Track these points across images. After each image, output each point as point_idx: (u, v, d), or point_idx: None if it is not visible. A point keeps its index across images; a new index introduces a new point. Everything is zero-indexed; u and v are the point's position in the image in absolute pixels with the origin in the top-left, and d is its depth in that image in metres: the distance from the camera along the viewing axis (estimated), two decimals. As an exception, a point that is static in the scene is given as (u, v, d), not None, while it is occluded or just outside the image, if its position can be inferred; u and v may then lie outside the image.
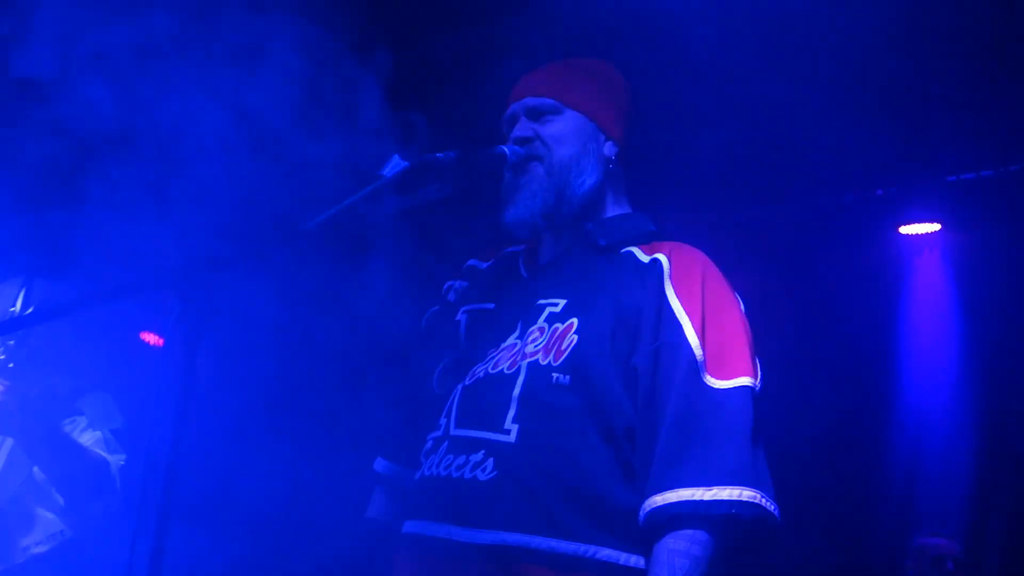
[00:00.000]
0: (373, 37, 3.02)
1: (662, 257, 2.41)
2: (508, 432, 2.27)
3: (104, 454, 3.60)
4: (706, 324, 2.30)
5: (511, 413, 2.30)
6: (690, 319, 2.29)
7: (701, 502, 2.13)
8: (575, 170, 2.54)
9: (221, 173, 3.14)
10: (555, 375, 2.31)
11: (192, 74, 3.24)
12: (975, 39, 4.54)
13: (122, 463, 3.63)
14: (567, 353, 2.32)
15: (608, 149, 2.61)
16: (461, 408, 2.39)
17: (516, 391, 2.32)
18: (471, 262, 2.82)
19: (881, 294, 6.40)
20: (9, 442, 3.58)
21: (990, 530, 5.65)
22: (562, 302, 2.43)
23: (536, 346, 2.37)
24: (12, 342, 3.41)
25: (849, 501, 6.03)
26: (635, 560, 2.22)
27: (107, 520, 3.60)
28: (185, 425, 1.96)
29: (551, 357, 2.33)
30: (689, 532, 2.14)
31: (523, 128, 2.57)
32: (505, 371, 2.37)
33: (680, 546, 2.13)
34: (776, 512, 2.18)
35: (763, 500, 2.15)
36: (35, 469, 3.57)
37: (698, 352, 2.25)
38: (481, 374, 2.41)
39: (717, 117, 5.08)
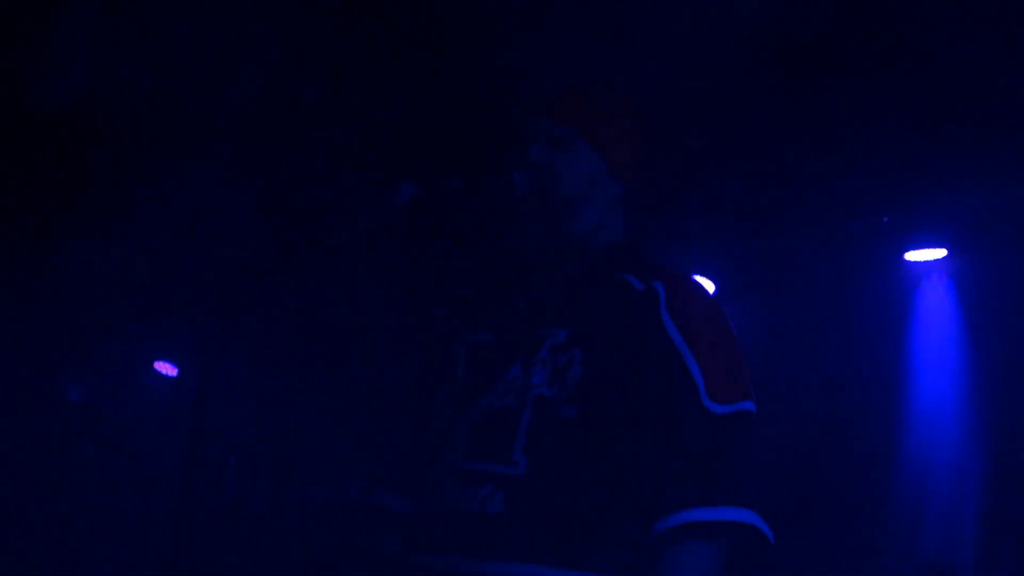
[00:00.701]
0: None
1: (659, 285, 2.37)
2: (517, 465, 2.25)
3: None
4: (704, 351, 2.28)
5: (519, 445, 2.27)
6: (688, 346, 2.28)
7: (706, 521, 2.14)
8: (576, 206, 2.51)
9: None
10: (561, 408, 2.28)
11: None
12: (975, 65, 4.57)
13: None
14: (572, 385, 2.29)
15: (614, 188, 2.57)
16: (468, 441, 2.34)
17: (523, 423, 2.28)
18: (464, 291, 2.75)
19: (888, 320, 6.39)
20: None
21: (1000, 550, 5.63)
22: (564, 332, 2.37)
23: (540, 378, 2.32)
24: None
25: (858, 524, 6.01)
26: None
27: None
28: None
29: (556, 389, 2.30)
30: (695, 549, 2.15)
31: (539, 154, 2.51)
32: (511, 404, 2.33)
33: (687, 561, 2.15)
34: (770, 534, 2.19)
35: (759, 522, 2.17)
36: None
37: (699, 379, 2.24)
38: (486, 407, 2.36)
39: (722, 148, 5.11)
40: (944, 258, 6.26)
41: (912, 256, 6.30)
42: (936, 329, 6.29)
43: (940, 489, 5.95)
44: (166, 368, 6.61)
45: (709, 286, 6.36)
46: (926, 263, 6.32)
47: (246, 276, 2.10)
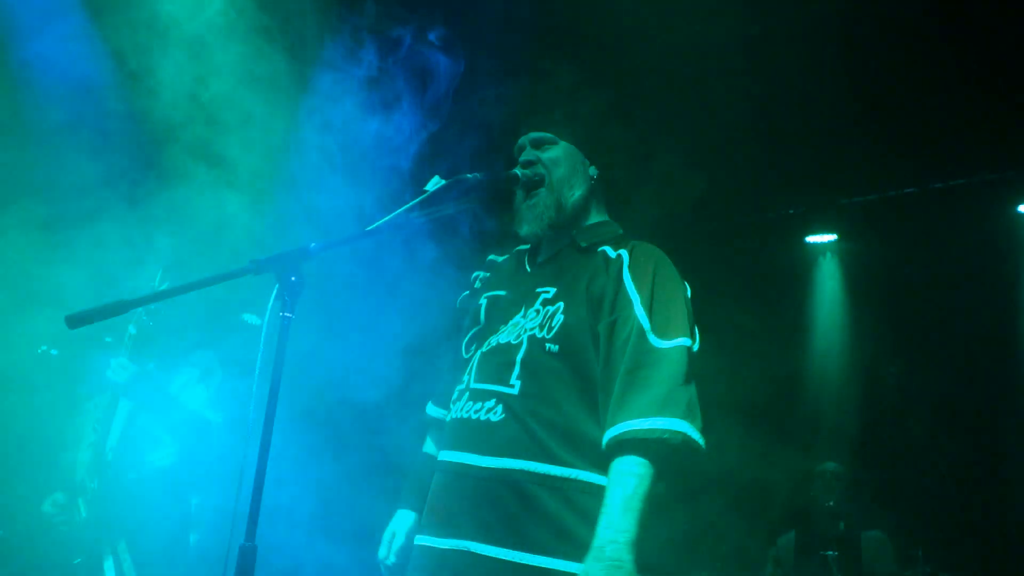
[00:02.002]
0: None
1: (624, 252, 2.44)
2: (513, 386, 2.34)
3: (207, 414, 3.63)
4: (653, 299, 2.33)
5: (515, 372, 2.36)
6: (640, 296, 2.33)
7: (640, 431, 2.17)
8: (567, 184, 2.58)
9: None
10: (547, 344, 2.36)
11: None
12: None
13: (219, 421, 3.65)
14: (556, 328, 2.37)
15: (591, 171, 2.64)
16: (479, 368, 2.44)
17: (519, 356, 2.37)
18: (491, 257, 2.84)
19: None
20: None
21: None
22: (553, 290, 2.47)
23: (534, 323, 2.42)
24: (154, 307, 3.50)
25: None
26: (605, 480, 2.23)
27: (207, 457, 3.64)
28: (279, 388, 1.97)
29: (544, 331, 2.39)
30: (634, 456, 2.17)
31: (529, 154, 2.61)
32: (512, 341, 2.42)
33: (627, 467, 2.17)
34: (700, 440, 2.20)
35: (689, 430, 2.18)
36: None
37: (645, 320, 2.29)
38: (494, 343, 2.45)
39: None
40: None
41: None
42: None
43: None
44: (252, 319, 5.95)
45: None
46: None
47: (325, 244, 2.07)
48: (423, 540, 2.37)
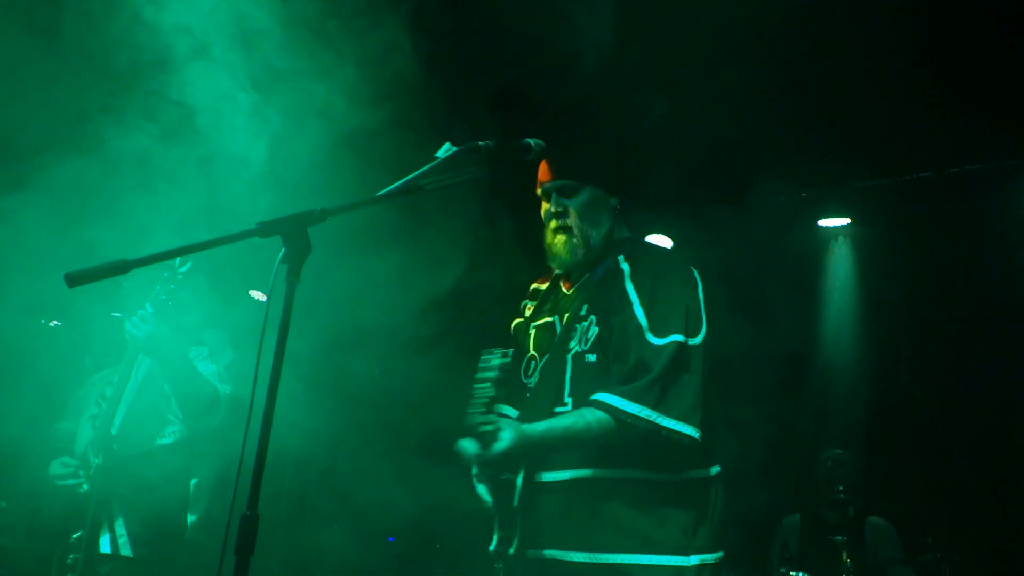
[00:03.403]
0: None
1: (629, 262, 2.72)
2: (566, 404, 2.65)
3: (217, 384, 3.59)
4: (650, 302, 2.60)
5: (567, 390, 2.67)
6: (640, 300, 2.61)
7: (606, 403, 2.51)
8: (594, 225, 2.82)
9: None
10: (586, 356, 2.66)
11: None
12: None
13: (228, 392, 3.62)
14: (591, 340, 2.66)
15: (613, 202, 2.87)
16: (539, 391, 2.72)
17: (567, 375, 2.68)
18: (534, 286, 3.10)
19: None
20: (147, 362, 3.58)
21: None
22: (585, 306, 2.74)
23: (573, 340, 2.71)
24: (173, 287, 3.45)
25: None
26: (655, 476, 2.57)
27: (213, 431, 3.61)
28: (283, 347, 1.93)
29: (582, 345, 2.68)
30: (601, 414, 2.51)
31: (557, 204, 2.84)
32: (558, 363, 2.71)
33: (589, 415, 2.52)
34: (667, 426, 2.48)
35: (657, 419, 2.48)
36: (165, 385, 3.58)
37: (643, 321, 2.56)
38: (547, 368, 2.74)
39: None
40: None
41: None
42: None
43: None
44: (259, 295, 5.62)
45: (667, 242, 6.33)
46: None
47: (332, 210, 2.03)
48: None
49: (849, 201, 6.19)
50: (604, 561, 2.49)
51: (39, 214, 3.44)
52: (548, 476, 2.61)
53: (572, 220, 2.80)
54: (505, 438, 2.45)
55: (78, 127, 3.30)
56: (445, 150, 2.36)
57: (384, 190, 2.24)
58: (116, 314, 3.81)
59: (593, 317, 2.68)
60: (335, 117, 3.47)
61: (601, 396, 2.51)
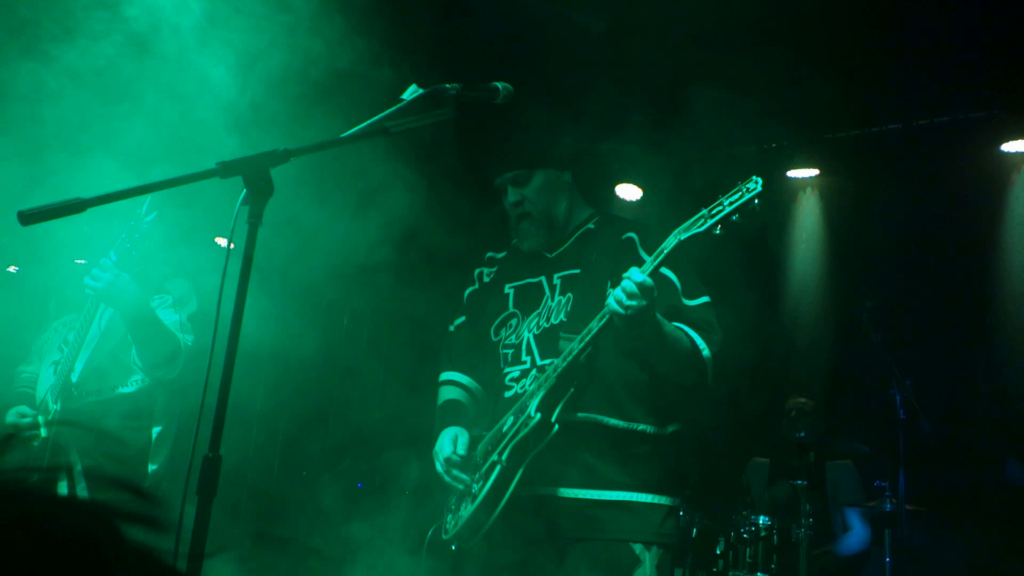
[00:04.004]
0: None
1: (633, 235, 2.85)
2: (585, 362, 2.70)
3: (178, 334, 3.55)
4: (676, 270, 2.77)
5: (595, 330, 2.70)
6: (664, 265, 2.67)
7: (695, 340, 2.73)
8: (552, 204, 2.96)
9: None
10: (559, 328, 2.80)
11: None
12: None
13: (190, 343, 3.58)
14: (568, 313, 2.82)
15: (566, 177, 3.00)
16: (540, 348, 2.81)
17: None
18: (489, 254, 3.22)
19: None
20: (110, 310, 3.53)
21: None
22: (577, 271, 2.88)
23: (563, 301, 2.86)
24: (137, 235, 3.38)
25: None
26: (647, 427, 2.78)
27: (172, 381, 3.58)
28: (245, 290, 1.91)
29: (577, 308, 2.81)
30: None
31: (513, 195, 2.96)
32: (554, 323, 2.82)
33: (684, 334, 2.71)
34: (708, 359, 2.72)
35: (704, 350, 2.71)
36: (126, 334, 3.54)
37: (678, 286, 2.77)
38: (545, 325, 2.85)
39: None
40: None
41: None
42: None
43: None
44: (223, 242, 5.66)
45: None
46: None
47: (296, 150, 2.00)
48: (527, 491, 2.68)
49: (818, 152, 6.21)
50: (612, 498, 2.69)
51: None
52: (567, 417, 2.69)
53: (531, 206, 2.94)
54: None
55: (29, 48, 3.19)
56: (411, 92, 2.33)
57: (349, 131, 2.21)
58: (79, 261, 3.74)
59: (583, 281, 2.84)
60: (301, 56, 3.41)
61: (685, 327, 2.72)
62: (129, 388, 3.56)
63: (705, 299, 2.79)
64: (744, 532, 4.76)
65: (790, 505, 4.81)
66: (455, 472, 2.75)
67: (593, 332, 2.62)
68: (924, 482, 4.81)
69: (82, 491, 3.42)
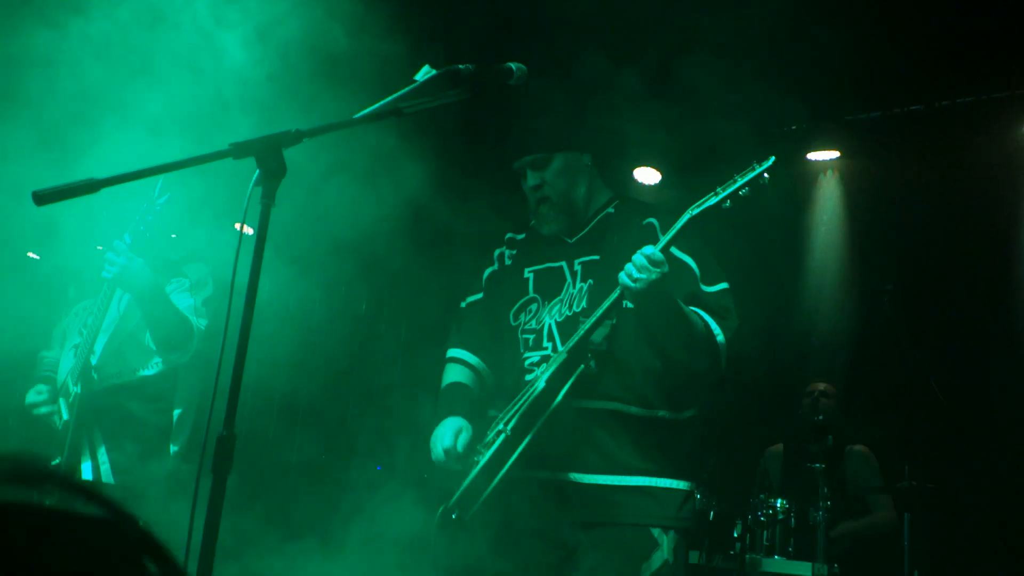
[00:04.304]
0: None
1: (653, 220, 2.82)
2: (603, 344, 2.66)
3: (192, 318, 3.58)
4: (695, 257, 2.77)
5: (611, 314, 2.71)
6: (684, 252, 2.75)
7: (709, 323, 2.72)
8: (572, 187, 2.93)
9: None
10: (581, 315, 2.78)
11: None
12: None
13: (203, 327, 3.61)
14: (589, 298, 2.81)
15: (586, 159, 2.97)
16: (561, 334, 2.79)
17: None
18: (509, 235, 3.18)
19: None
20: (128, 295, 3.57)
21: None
22: (597, 256, 2.87)
23: (583, 290, 2.84)
24: (151, 218, 3.41)
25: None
26: (665, 413, 2.79)
27: (184, 365, 3.62)
28: (259, 270, 1.92)
29: (584, 302, 2.82)
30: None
31: (532, 178, 2.93)
32: (575, 309, 2.81)
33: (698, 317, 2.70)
34: (722, 345, 2.70)
35: (718, 335, 2.69)
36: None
37: (697, 272, 2.76)
38: (567, 312, 2.83)
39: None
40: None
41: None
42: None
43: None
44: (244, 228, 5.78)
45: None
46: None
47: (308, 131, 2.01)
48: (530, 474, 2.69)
49: (838, 134, 6.14)
50: (630, 484, 2.71)
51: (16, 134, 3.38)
52: (585, 403, 2.71)
53: (550, 190, 2.92)
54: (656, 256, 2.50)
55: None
56: (424, 73, 2.33)
57: (362, 112, 2.21)
58: (100, 247, 3.77)
59: (591, 280, 2.84)
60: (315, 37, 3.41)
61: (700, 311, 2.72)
62: (149, 371, 3.60)
63: (724, 285, 2.79)
64: (761, 515, 4.75)
65: (808, 488, 4.79)
66: (453, 466, 2.74)
67: (604, 307, 2.61)
68: (944, 465, 4.78)
69: (105, 473, 3.48)
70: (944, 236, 5.64)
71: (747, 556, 4.72)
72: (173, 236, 3.84)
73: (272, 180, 1.94)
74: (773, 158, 2.52)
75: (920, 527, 4.52)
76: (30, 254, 4.81)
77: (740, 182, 2.52)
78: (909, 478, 4.59)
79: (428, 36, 3.67)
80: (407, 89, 2.27)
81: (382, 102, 2.23)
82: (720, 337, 2.69)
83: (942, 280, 5.61)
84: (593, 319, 2.63)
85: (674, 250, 2.72)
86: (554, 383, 2.63)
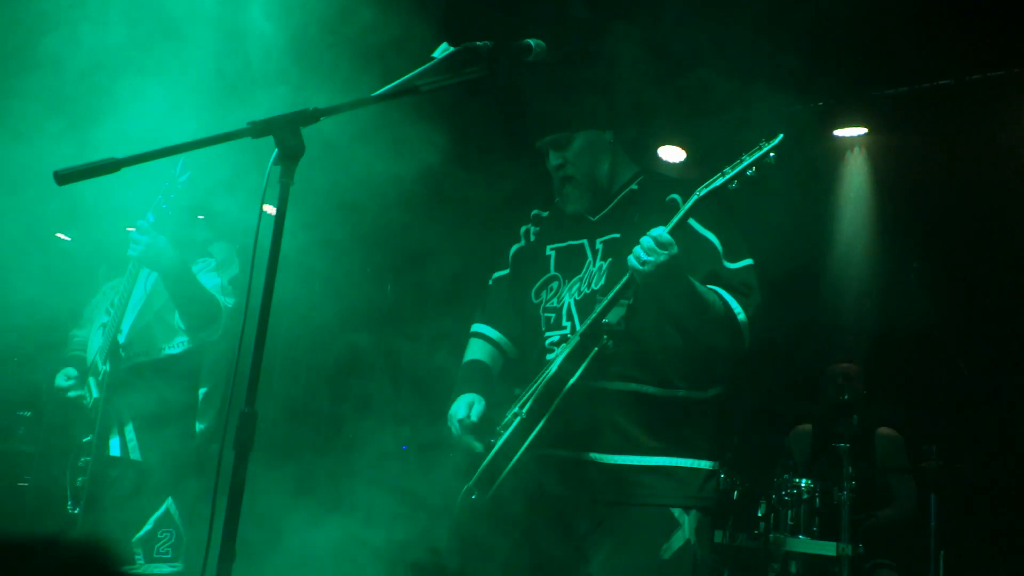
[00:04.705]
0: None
1: (677, 196, 2.73)
2: (620, 324, 2.64)
3: (220, 297, 3.62)
4: (718, 233, 2.73)
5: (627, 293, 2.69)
6: (709, 232, 2.72)
7: (727, 301, 2.67)
8: (595, 166, 2.91)
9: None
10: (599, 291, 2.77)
11: None
12: None
13: (230, 306, 3.65)
14: (608, 276, 2.77)
15: (608, 136, 2.94)
16: (580, 313, 2.78)
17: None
18: (535, 212, 3.17)
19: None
20: (155, 274, 3.61)
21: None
22: (617, 235, 2.84)
23: (603, 268, 2.82)
24: (173, 196, 3.44)
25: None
26: (686, 392, 2.76)
27: (214, 343, 3.66)
28: (278, 249, 1.93)
29: (603, 280, 2.79)
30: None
31: (555, 158, 2.93)
32: (594, 288, 2.80)
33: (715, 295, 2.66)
34: (744, 323, 2.65)
35: (739, 313, 2.65)
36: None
37: (719, 249, 2.72)
38: (586, 290, 2.81)
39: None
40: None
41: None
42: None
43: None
44: (271, 209, 5.84)
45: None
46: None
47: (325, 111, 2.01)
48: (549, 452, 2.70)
49: (865, 110, 6.05)
50: (651, 463, 2.69)
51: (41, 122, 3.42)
52: (602, 384, 2.70)
53: (573, 169, 2.90)
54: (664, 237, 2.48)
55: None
56: (442, 50, 2.32)
57: (379, 90, 2.21)
58: (130, 229, 3.82)
59: (627, 245, 2.78)
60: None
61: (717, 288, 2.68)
62: (175, 349, 3.65)
63: (748, 261, 2.75)
64: (785, 494, 4.74)
65: (833, 468, 4.77)
66: (468, 437, 2.75)
67: (615, 290, 2.59)
68: (970, 446, 4.74)
69: (133, 450, 3.54)
70: (973, 213, 5.56)
71: (771, 535, 4.71)
72: (200, 217, 3.88)
73: (291, 159, 1.94)
74: (781, 136, 2.48)
75: (946, 508, 4.49)
76: (59, 235, 4.88)
77: (747, 162, 2.48)
78: (935, 458, 4.55)
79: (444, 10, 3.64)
80: (425, 66, 2.26)
81: (400, 80, 2.23)
82: (741, 316, 2.65)
83: (970, 258, 5.53)
84: (606, 300, 2.61)
85: (696, 226, 2.70)
86: (568, 365, 2.62)
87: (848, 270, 6.14)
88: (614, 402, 2.70)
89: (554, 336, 2.84)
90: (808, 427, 5.40)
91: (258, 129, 1.93)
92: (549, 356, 2.80)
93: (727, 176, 2.50)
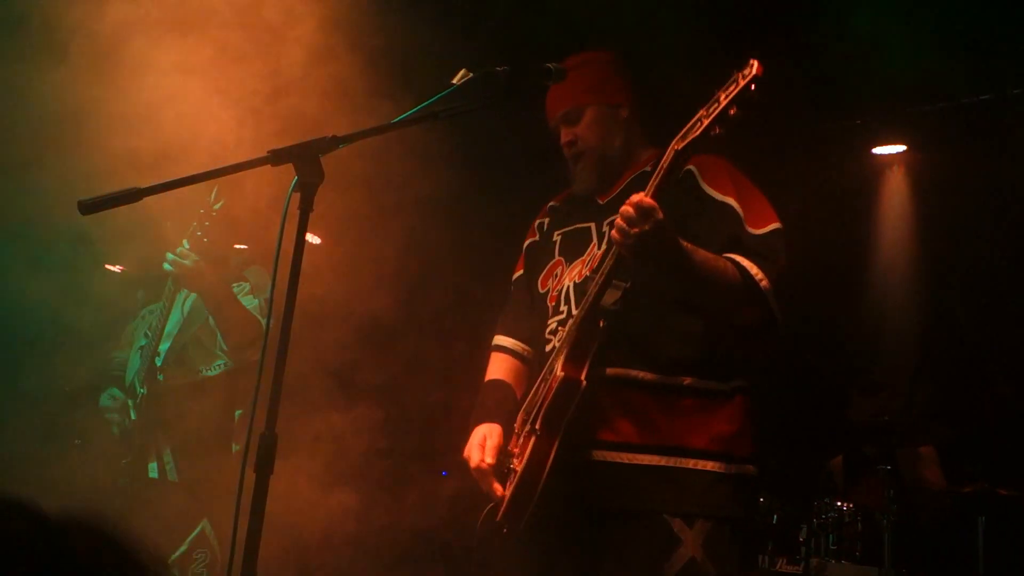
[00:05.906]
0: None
1: (692, 167, 2.56)
2: (616, 305, 2.46)
3: (260, 317, 3.69)
4: (739, 199, 2.53)
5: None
6: (729, 198, 2.53)
7: (743, 266, 2.45)
8: (606, 142, 2.77)
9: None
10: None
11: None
12: None
13: (267, 326, 3.71)
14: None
15: (621, 114, 2.80)
16: (577, 297, 2.62)
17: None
18: (551, 204, 3.03)
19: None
20: (192, 296, 3.70)
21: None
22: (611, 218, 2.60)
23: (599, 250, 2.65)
24: (208, 224, 3.52)
25: None
26: (679, 381, 2.52)
27: (256, 363, 3.71)
28: (298, 278, 1.97)
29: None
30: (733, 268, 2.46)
31: (566, 135, 2.80)
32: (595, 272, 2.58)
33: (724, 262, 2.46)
34: (768, 289, 2.43)
35: (760, 280, 2.43)
36: (209, 319, 3.70)
37: (742, 215, 2.51)
38: (587, 273, 2.63)
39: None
40: None
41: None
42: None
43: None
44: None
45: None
46: None
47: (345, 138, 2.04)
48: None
49: (904, 127, 5.98)
50: (646, 464, 2.43)
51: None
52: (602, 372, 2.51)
53: (583, 144, 2.76)
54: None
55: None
56: (461, 76, 2.35)
57: (398, 117, 2.25)
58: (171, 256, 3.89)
59: None
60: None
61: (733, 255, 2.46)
62: (212, 371, 3.73)
63: (774, 227, 2.52)
64: (826, 517, 4.66)
65: (873, 491, 4.69)
66: (487, 482, 2.58)
67: (603, 270, 2.39)
68: (1012, 467, 4.62)
69: (170, 471, 3.61)
70: (1017, 231, 5.45)
71: (812, 559, 4.64)
72: (239, 247, 3.96)
73: (310, 186, 1.99)
74: (755, 63, 2.14)
75: (994, 531, 4.38)
76: (107, 266, 4.99)
77: (725, 103, 2.15)
78: (975, 481, 4.46)
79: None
80: (444, 93, 2.30)
81: (419, 107, 2.27)
82: (762, 282, 2.41)
83: (1014, 277, 5.41)
84: (595, 287, 2.43)
85: (712, 192, 2.54)
86: (571, 367, 2.42)
87: (889, 289, 6.05)
88: (609, 392, 2.47)
89: (552, 323, 2.70)
90: (839, 458, 5.30)
91: (278, 157, 1.98)
92: (548, 348, 2.66)
93: (706, 122, 2.20)
